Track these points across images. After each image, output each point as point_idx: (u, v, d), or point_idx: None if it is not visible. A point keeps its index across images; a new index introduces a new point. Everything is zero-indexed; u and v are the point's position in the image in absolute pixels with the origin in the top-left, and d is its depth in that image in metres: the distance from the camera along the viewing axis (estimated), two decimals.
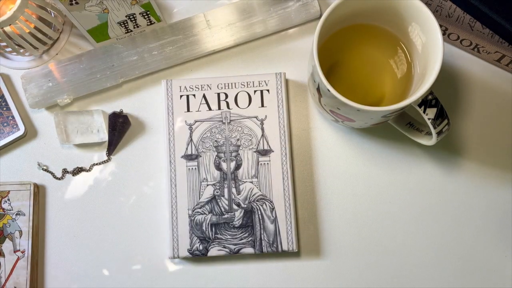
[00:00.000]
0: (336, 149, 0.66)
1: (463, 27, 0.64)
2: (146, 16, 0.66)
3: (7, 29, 0.62)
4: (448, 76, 0.67)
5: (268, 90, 0.65)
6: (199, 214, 0.62)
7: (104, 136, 0.66)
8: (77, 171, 0.66)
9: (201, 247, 0.61)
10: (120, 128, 0.66)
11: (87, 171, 0.67)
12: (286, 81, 0.66)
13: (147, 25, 0.67)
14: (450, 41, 0.67)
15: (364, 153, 0.66)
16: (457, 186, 0.65)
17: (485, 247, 0.63)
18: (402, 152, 0.66)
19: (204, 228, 0.62)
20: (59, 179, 0.67)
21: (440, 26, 0.65)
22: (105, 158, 0.67)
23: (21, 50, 0.67)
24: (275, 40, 0.69)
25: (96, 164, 0.67)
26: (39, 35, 0.65)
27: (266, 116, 0.64)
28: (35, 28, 0.64)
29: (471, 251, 0.63)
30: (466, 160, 0.65)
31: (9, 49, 0.67)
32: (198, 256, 0.62)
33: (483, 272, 0.63)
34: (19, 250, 0.63)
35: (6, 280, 0.62)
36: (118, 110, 0.66)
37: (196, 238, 0.61)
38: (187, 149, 0.64)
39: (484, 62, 0.67)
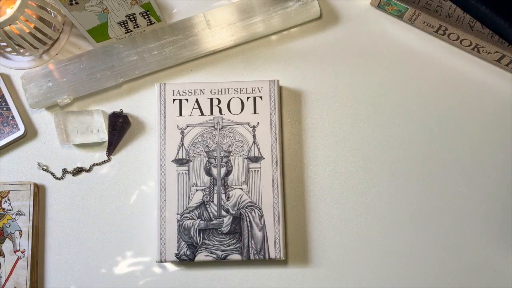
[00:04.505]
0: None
1: (463, 27, 0.64)
2: (146, 16, 0.66)
3: (7, 29, 0.62)
4: (448, 76, 0.67)
5: (261, 97, 0.65)
6: (187, 219, 0.62)
7: (104, 136, 0.66)
8: (77, 171, 0.66)
9: (188, 252, 0.61)
10: (120, 128, 0.66)
11: (87, 171, 0.67)
12: (280, 88, 0.66)
13: (147, 25, 0.67)
14: (450, 41, 0.67)
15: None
16: (457, 186, 0.65)
17: (485, 247, 0.63)
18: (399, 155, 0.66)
19: (192, 233, 0.62)
20: (59, 179, 0.67)
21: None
22: (105, 158, 0.67)
23: (21, 50, 0.67)
24: (275, 40, 0.69)
25: (96, 164, 0.67)
26: (39, 35, 0.65)
27: (258, 123, 0.64)
28: (35, 28, 0.64)
29: (471, 251, 0.63)
30: (466, 159, 0.65)
31: (9, 49, 0.67)
32: (185, 261, 0.62)
33: (483, 272, 0.63)
34: (19, 250, 0.63)
35: (6, 280, 0.62)
36: (118, 110, 0.66)
37: (183, 243, 0.61)
38: (178, 153, 0.64)
39: (484, 62, 0.68)
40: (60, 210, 0.66)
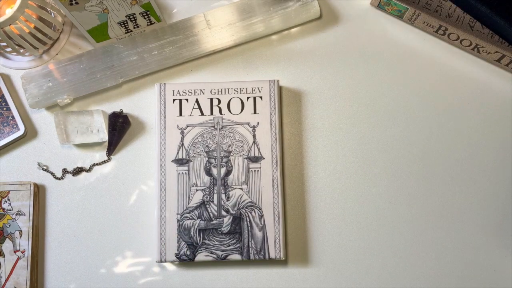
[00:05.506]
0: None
1: (463, 27, 0.64)
2: (146, 16, 0.66)
3: (7, 29, 0.62)
4: (448, 76, 0.67)
5: (261, 97, 0.65)
6: (187, 219, 0.62)
7: (104, 136, 0.66)
8: (77, 171, 0.66)
9: (188, 252, 0.61)
10: (120, 128, 0.66)
11: (87, 171, 0.67)
12: (280, 88, 0.66)
13: (147, 25, 0.67)
14: (450, 41, 0.67)
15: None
16: (457, 185, 0.65)
17: (485, 247, 0.63)
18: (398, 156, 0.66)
19: (192, 233, 0.62)
20: (59, 179, 0.67)
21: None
22: (105, 158, 0.67)
23: (21, 50, 0.67)
24: (275, 40, 0.69)
25: (96, 164, 0.67)
26: (39, 35, 0.65)
27: (258, 123, 0.64)
28: (35, 28, 0.64)
29: (471, 251, 0.63)
30: (466, 159, 0.65)
31: (9, 49, 0.67)
32: (185, 261, 0.62)
33: (483, 272, 0.63)
34: (19, 250, 0.63)
35: (6, 280, 0.62)
36: (118, 110, 0.67)
37: (183, 243, 0.61)
38: (178, 153, 0.64)
39: (484, 62, 0.68)
40: (60, 210, 0.66)
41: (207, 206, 0.62)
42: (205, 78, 0.68)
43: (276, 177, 0.63)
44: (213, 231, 0.62)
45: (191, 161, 0.63)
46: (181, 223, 0.62)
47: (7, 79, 0.69)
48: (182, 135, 0.64)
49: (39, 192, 0.66)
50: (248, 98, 0.65)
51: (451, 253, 0.63)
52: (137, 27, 0.67)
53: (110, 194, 0.66)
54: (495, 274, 0.63)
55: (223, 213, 0.62)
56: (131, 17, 0.65)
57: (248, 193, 0.62)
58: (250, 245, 0.61)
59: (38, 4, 0.64)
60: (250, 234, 0.61)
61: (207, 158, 0.63)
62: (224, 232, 0.62)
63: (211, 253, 0.61)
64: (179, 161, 0.63)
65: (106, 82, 0.67)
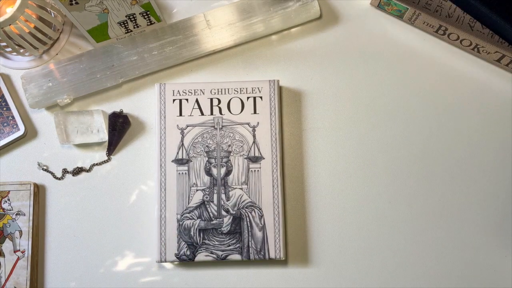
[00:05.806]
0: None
1: (463, 27, 0.64)
2: (146, 16, 0.66)
3: (7, 29, 0.62)
4: (448, 76, 0.67)
5: (261, 97, 0.65)
6: (187, 219, 0.62)
7: (104, 136, 0.66)
8: (77, 171, 0.66)
9: (188, 252, 0.61)
10: (120, 128, 0.66)
11: (87, 171, 0.67)
12: (280, 88, 0.67)
13: (147, 25, 0.67)
14: (450, 41, 0.67)
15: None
16: (457, 185, 0.65)
17: (485, 247, 0.63)
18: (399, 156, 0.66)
19: (192, 233, 0.62)
20: (59, 179, 0.67)
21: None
22: (105, 158, 0.67)
23: (21, 50, 0.67)
24: (275, 40, 0.69)
25: (96, 164, 0.67)
26: (39, 35, 0.65)
27: (258, 123, 0.64)
28: (35, 28, 0.64)
29: (471, 251, 0.63)
30: (466, 159, 0.65)
31: (9, 49, 0.67)
32: (185, 261, 0.62)
33: (483, 272, 0.63)
34: (19, 250, 0.63)
35: (6, 280, 0.62)
36: (118, 110, 0.67)
37: (183, 243, 0.61)
38: (178, 153, 0.64)
39: (484, 62, 0.68)
40: (60, 210, 0.66)
41: (207, 206, 0.62)
42: (205, 78, 0.68)
43: (276, 177, 0.63)
44: (213, 231, 0.62)
45: (191, 161, 0.63)
46: (181, 223, 0.62)
47: (7, 79, 0.69)
48: (182, 135, 0.64)
49: (39, 192, 0.66)
50: (248, 98, 0.65)
51: (451, 253, 0.63)
52: (137, 27, 0.67)
53: (110, 194, 0.66)
54: (495, 274, 0.63)
55: (223, 213, 0.62)
56: (131, 17, 0.65)
57: (248, 193, 0.62)
58: (250, 245, 0.61)
59: (38, 4, 0.64)
60: (250, 234, 0.62)
61: (207, 158, 0.63)
62: (224, 232, 0.62)
63: (211, 253, 0.61)
64: (179, 161, 0.63)
65: (106, 82, 0.67)
